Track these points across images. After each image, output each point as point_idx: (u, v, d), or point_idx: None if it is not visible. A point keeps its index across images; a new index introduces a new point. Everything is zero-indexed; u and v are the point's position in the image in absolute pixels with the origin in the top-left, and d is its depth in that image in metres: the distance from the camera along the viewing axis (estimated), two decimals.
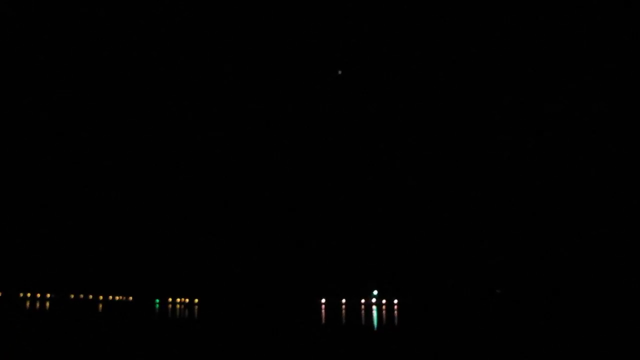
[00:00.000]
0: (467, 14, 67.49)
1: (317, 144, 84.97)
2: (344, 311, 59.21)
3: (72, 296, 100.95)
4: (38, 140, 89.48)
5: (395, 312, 58.84)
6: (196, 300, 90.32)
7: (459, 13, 67.93)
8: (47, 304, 77.86)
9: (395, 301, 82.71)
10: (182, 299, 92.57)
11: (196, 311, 57.21)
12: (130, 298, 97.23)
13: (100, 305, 73.42)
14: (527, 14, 63.34)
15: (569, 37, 62.60)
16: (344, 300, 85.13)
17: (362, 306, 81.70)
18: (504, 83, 69.67)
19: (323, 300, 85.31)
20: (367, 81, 79.76)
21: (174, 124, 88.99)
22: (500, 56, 68.62)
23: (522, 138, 71.25)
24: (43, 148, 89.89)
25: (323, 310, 59.40)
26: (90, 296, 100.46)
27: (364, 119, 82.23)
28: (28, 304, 75.50)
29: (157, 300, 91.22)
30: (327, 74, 79.37)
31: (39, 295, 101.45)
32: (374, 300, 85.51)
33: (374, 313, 54.40)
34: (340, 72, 78.49)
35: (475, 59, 70.99)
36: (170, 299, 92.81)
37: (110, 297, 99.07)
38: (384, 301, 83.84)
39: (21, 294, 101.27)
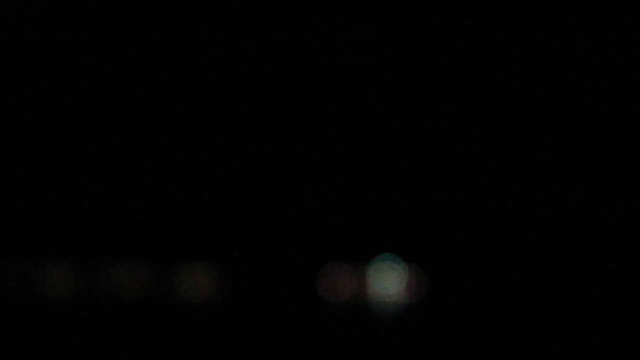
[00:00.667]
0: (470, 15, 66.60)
1: (329, 143, 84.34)
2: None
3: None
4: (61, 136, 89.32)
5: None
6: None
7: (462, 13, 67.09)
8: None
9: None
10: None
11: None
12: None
13: None
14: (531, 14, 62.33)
15: (569, 38, 61.57)
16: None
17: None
18: (508, 82, 68.83)
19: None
20: (369, 80, 79.15)
21: (201, 116, 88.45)
22: (501, 56, 67.69)
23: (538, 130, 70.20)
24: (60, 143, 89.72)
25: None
26: None
27: (381, 111, 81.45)
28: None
29: None
30: (327, 73, 78.88)
31: None
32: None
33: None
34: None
35: (475, 59, 70.15)
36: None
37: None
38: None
39: None
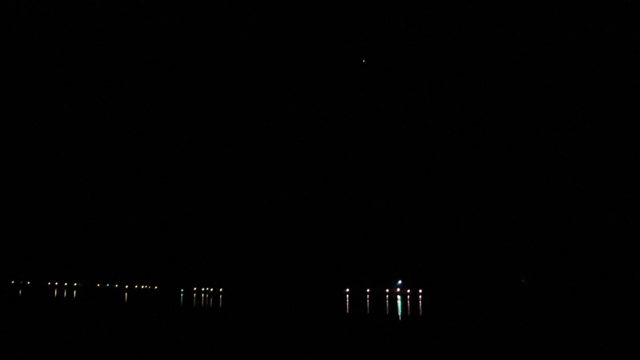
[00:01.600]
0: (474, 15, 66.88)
1: (342, 139, 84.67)
2: (368, 301, 59.06)
3: (99, 285, 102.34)
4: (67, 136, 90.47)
5: (420, 302, 58.53)
6: (221, 290, 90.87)
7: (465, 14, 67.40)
8: (75, 292, 78.99)
9: (420, 291, 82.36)
10: (207, 288, 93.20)
11: (221, 300, 57.50)
12: (156, 287, 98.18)
13: (126, 294, 74.23)
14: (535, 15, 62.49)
15: (570, 38, 61.73)
16: (368, 290, 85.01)
17: (387, 296, 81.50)
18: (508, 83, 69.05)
19: (347, 290, 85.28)
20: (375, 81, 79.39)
21: (203, 116, 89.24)
22: (503, 57, 67.88)
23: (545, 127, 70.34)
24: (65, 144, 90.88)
25: (347, 300, 59.30)
26: (116, 285, 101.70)
27: (389, 111, 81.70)
28: (56, 292, 76.65)
29: (182, 290, 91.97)
30: (329, 73, 79.04)
31: (66, 284, 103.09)
32: (398, 290, 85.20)
33: (399, 303, 54.16)
34: (364, 61, 77.95)
35: (476, 60, 70.23)
36: (195, 288, 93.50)
37: (136, 287, 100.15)
38: (408, 291, 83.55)
39: (49, 283, 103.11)
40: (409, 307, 44.49)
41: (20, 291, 76.23)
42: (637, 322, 27.68)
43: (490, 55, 70.59)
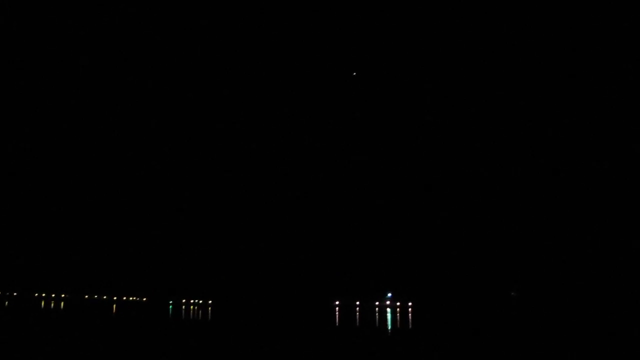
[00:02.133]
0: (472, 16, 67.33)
1: (334, 148, 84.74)
2: (358, 313, 58.88)
3: (87, 297, 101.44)
4: (44, 144, 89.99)
5: (409, 314, 58.44)
6: (210, 302, 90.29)
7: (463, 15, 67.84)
8: (62, 304, 78.23)
9: (410, 304, 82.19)
10: (196, 300, 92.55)
11: (210, 312, 57.13)
12: (144, 299, 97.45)
13: (115, 306, 73.61)
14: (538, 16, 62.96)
15: (570, 38, 62.18)
16: (358, 303, 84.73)
17: (377, 309, 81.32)
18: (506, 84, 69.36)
19: (337, 303, 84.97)
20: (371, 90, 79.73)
21: (185, 129, 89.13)
22: (502, 57, 68.24)
23: (537, 138, 70.71)
24: (50, 151, 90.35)
25: (337, 312, 59.11)
26: (105, 297, 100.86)
27: (376, 125, 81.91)
28: (43, 303, 75.91)
29: (171, 302, 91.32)
30: (326, 77, 79.23)
31: (54, 295, 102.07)
32: (388, 302, 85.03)
33: (388, 316, 54.04)
34: (354, 74, 78.24)
35: (475, 60, 70.56)
36: (184, 300, 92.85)
37: (125, 298, 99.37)
38: (398, 304, 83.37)
39: (36, 294, 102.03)
40: (398, 320, 44.38)
41: (6, 302, 75.44)
42: (622, 331, 27.77)
43: (479, 61, 70.97)
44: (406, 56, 74.29)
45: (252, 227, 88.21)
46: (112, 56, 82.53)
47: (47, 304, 77.37)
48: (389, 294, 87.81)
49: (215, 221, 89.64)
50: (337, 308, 79.06)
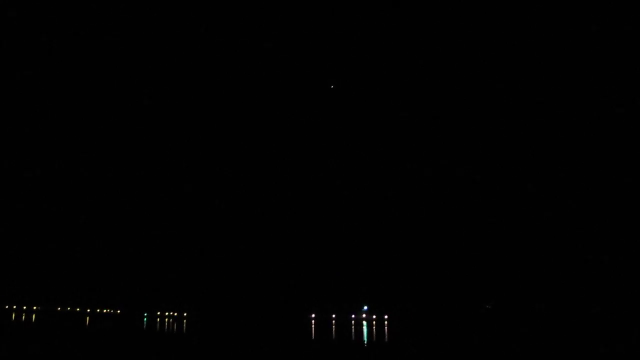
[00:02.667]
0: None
1: (306, 163, 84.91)
2: (334, 327, 58.85)
3: (59, 309, 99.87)
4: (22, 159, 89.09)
5: (386, 327, 58.54)
6: (185, 314, 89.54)
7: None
8: (33, 316, 76.95)
9: (386, 316, 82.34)
10: (171, 313, 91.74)
11: (185, 325, 56.69)
12: (119, 311, 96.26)
13: (88, 318, 72.61)
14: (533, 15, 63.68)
15: (570, 38, 62.99)
16: (334, 316, 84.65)
17: (352, 322, 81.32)
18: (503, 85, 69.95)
19: (313, 316, 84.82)
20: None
21: (153, 159, 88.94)
22: (500, 57, 68.90)
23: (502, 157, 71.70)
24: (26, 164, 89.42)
25: (313, 326, 58.99)
26: (78, 309, 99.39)
27: (352, 143, 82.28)
28: (14, 316, 74.60)
29: (146, 314, 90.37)
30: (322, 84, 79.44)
31: (25, 307, 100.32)
32: (364, 315, 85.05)
33: (364, 329, 54.07)
34: (332, 86, 78.58)
35: (472, 61, 71.19)
36: (158, 312, 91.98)
37: (98, 310, 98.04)
38: (374, 316, 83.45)
39: (7, 306, 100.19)
40: (374, 333, 44.44)
41: None
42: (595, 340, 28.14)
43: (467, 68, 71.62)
44: (406, 56, 74.55)
45: (227, 239, 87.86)
46: (112, 56, 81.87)
47: (18, 316, 76.01)
48: (365, 307, 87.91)
49: (190, 233, 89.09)
50: (312, 321, 78.88)
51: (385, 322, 76.37)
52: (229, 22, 77.08)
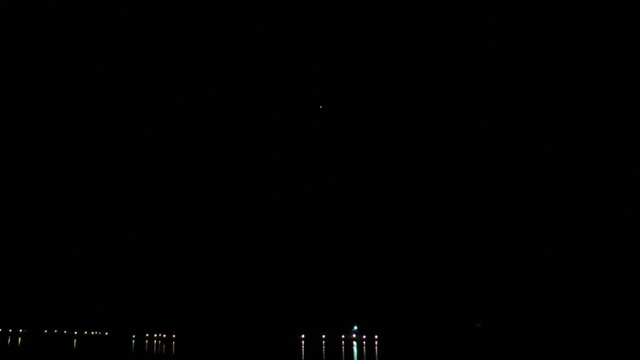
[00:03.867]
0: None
1: (295, 179, 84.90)
2: (323, 347, 58.53)
3: (46, 331, 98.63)
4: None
5: (376, 348, 58.30)
6: (174, 336, 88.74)
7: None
8: (20, 339, 75.97)
9: (376, 337, 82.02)
10: (160, 335, 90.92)
11: (174, 347, 56.19)
12: (107, 333, 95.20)
13: (75, 341, 71.78)
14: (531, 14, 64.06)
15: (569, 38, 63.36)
16: (323, 336, 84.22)
17: (342, 342, 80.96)
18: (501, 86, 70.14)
19: (303, 336, 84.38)
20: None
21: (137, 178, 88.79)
22: (498, 57, 69.20)
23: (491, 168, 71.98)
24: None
25: (303, 346, 58.68)
26: (65, 331, 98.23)
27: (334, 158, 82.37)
28: None
29: (134, 336, 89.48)
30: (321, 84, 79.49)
31: (10, 330, 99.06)
32: (354, 335, 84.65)
33: (354, 349, 53.83)
34: (321, 107, 78.88)
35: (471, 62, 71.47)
36: (147, 335, 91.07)
37: (86, 333, 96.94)
38: (364, 337, 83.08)
39: None
40: (364, 354, 44.25)
41: None
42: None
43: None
44: (406, 56, 74.85)
45: (216, 260, 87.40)
46: (112, 56, 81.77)
47: (3, 338, 75.01)
48: (355, 327, 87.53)
49: (178, 255, 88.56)
50: (302, 342, 78.47)
51: (376, 343, 76.04)
52: (229, 21, 77.30)
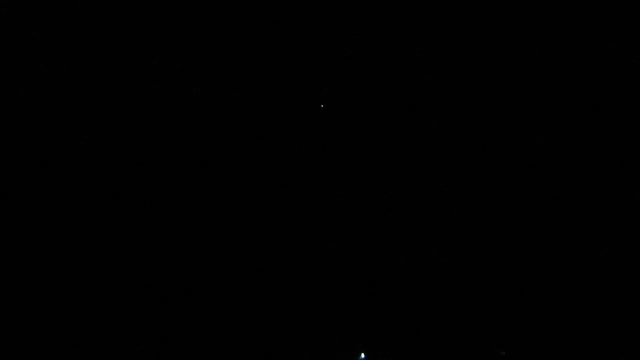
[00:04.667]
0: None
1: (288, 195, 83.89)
2: None
3: None
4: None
5: None
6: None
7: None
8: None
9: None
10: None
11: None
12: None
13: None
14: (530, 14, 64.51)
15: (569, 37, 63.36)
16: None
17: None
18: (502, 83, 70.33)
19: None
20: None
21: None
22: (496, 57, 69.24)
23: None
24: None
25: None
26: None
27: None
28: None
29: None
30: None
31: None
32: None
33: None
34: (322, 106, 77.77)
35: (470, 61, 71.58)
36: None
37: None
38: None
39: None
40: None
41: None
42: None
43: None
44: (406, 56, 74.92)
45: (210, 280, 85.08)
46: (112, 56, 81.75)
47: None
48: (362, 355, 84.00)
49: (177, 253, 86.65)
50: None
51: None
52: (229, 21, 77.41)
